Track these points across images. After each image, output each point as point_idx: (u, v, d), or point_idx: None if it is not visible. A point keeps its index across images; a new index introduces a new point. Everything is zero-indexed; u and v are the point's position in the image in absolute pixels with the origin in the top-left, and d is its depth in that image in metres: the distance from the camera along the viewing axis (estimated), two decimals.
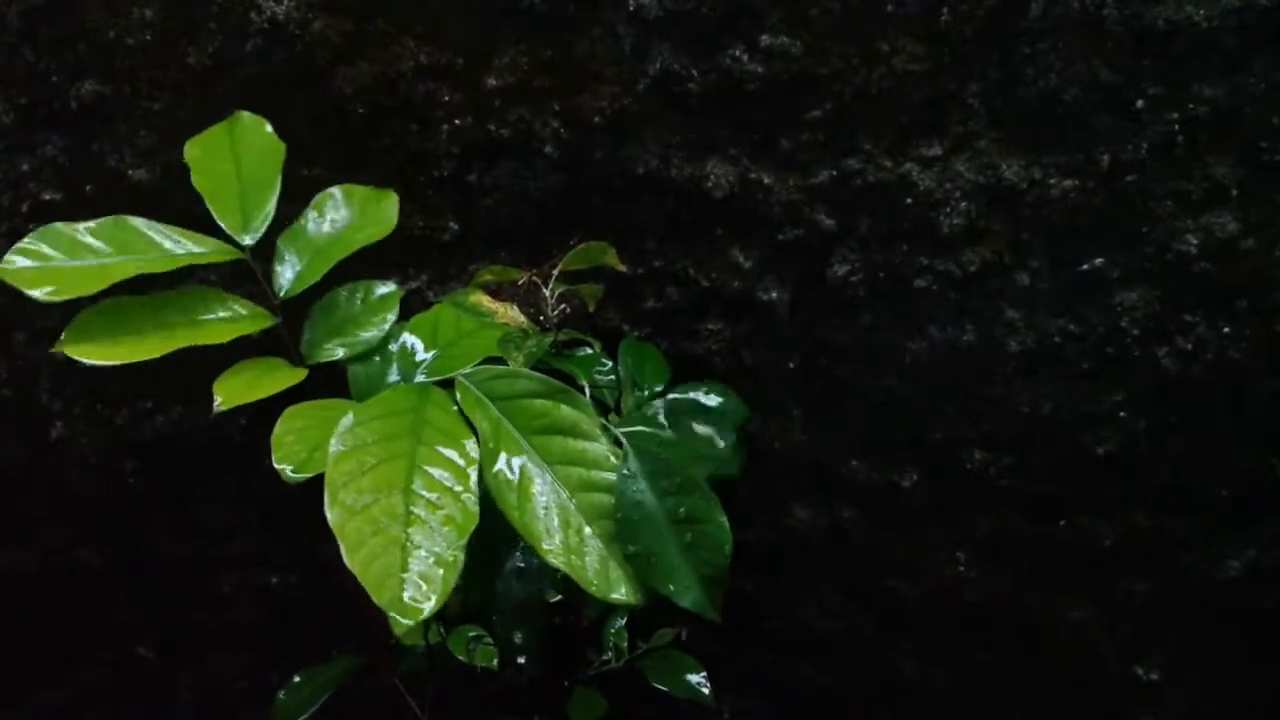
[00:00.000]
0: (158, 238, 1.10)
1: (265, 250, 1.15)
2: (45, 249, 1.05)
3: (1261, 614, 1.30)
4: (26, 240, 1.05)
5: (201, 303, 1.11)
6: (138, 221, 1.10)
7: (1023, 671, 1.45)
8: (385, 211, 1.18)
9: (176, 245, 1.10)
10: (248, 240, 1.12)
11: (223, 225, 1.12)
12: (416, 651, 1.41)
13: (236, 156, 1.16)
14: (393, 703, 1.43)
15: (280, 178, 1.14)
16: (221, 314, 1.10)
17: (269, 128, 1.18)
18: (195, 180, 1.14)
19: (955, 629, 1.45)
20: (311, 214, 1.18)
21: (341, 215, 1.18)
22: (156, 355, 1.02)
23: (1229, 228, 1.15)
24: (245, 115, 1.19)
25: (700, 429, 1.16)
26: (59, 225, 1.07)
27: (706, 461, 1.13)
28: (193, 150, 1.17)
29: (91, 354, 1.01)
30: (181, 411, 1.50)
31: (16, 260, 1.04)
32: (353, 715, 1.47)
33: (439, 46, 1.27)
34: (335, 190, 1.19)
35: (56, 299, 1.01)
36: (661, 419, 1.16)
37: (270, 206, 1.12)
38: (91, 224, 1.08)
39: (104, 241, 1.07)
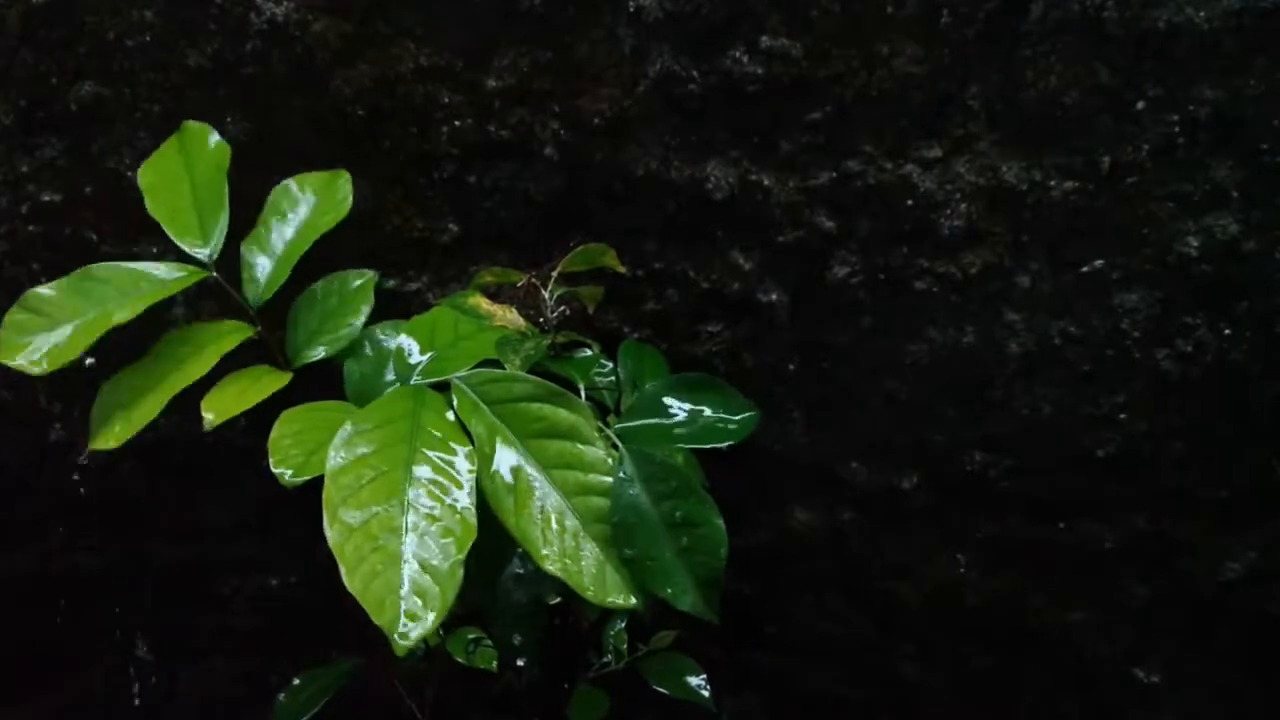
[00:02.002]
0: (128, 278, 1.13)
1: (234, 260, 1.16)
2: (27, 317, 1.10)
3: (1262, 617, 1.30)
4: (10, 315, 1.10)
5: (183, 343, 1.14)
6: (102, 269, 1.13)
7: (1023, 674, 1.44)
8: (339, 193, 1.19)
9: (146, 283, 1.13)
10: (208, 255, 1.14)
11: (183, 247, 1.14)
12: (416, 654, 1.41)
13: (190, 169, 1.19)
14: (393, 704, 1.43)
15: (226, 186, 1.16)
16: (202, 344, 1.13)
17: (215, 135, 1.20)
18: (150, 207, 1.16)
19: (955, 631, 1.45)
20: (271, 215, 1.19)
21: (299, 209, 1.19)
22: (156, 414, 1.09)
23: (1230, 229, 1.14)
24: (191, 125, 1.21)
25: (708, 412, 1.15)
26: (33, 291, 1.11)
27: (719, 434, 1.12)
28: (146, 175, 1.20)
29: (113, 439, 1.10)
30: (180, 415, 1.49)
31: (9, 338, 1.09)
32: (353, 717, 1.47)
33: (439, 48, 1.26)
34: (289, 182, 1.21)
35: (48, 370, 1.06)
36: (666, 403, 1.15)
37: (223, 218, 1.15)
38: (60, 282, 1.12)
39: (80, 296, 1.11)
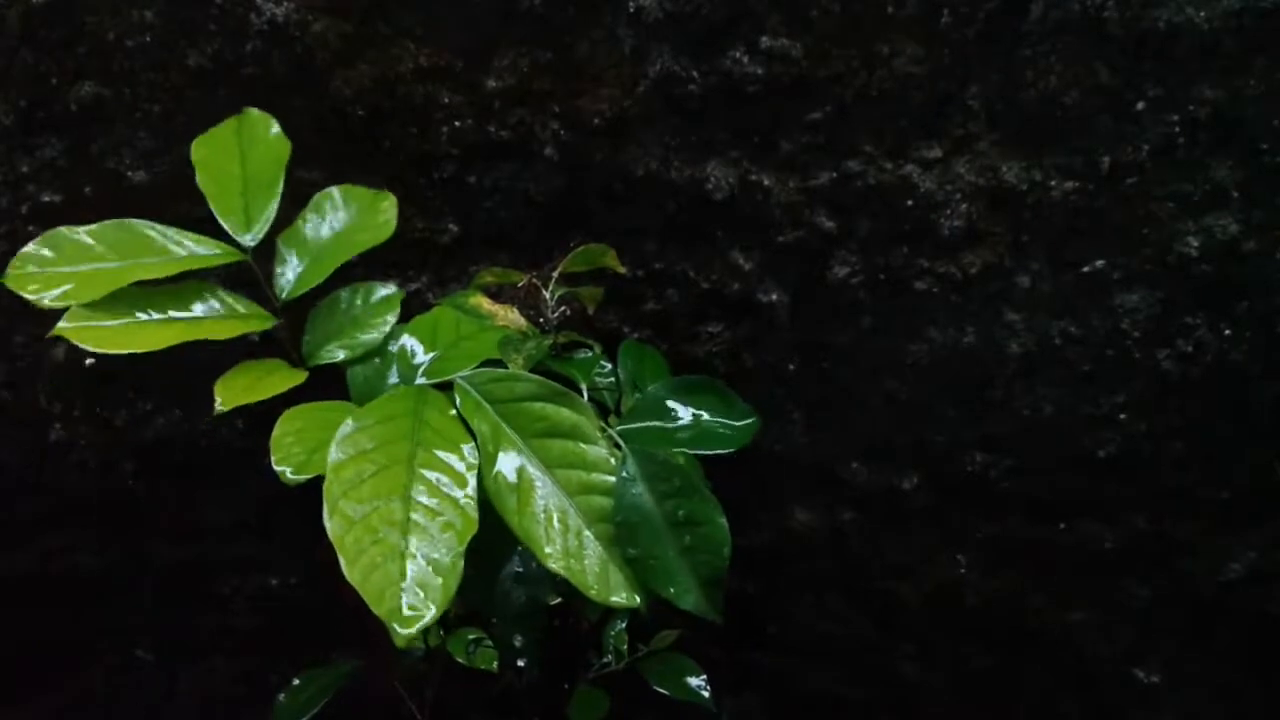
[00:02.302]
0: (160, 240, 1.10)
1: (266, 252, 1.15)
2: (49, 254, 1.06)
3: (1262, 617, 1.30)
4: (30, 246, 1.06)
5: (202, 297, 1.10)
6: (140, 224, 1.10)
7: (1023, 674, 1.45)
8: (384, 214, 1.17)
9: (179, 247, 1.10)
10: (249, 241, 1.12)
11: (225, 226, 1.12)
12: (416, 654, 1.41)
13: (243, 155, 1.16)
14: (393, 705, 1.43)
15: (283, 178, 1.14)
16: (223, 310, 1.10)
17: (276, 127, 1.17)
18: (200, 180, 1.13)
19: (956, 632, 1.45)
20: (311, 215, 1.18)
21: (340, 217, 1.18)
22: (159, 348, 1.01)
23: (1230, 229, 1.15)
24: (253, 112, 1.18)
25: (709, 417, 1.16)
26: (62, 230, 1.07)
27: (720, 439, 1.13)
28: (199, 150, 1.17)
29: (93, 340, 1.00)
30: (181, 413, 1.49)
31: (24, 268, 1.04)
32: (353, 717, 1.46)
33: (439, 48, 1.26)
34: (334, 190, 1.19)
35: (61, 305, 1.01)
36: (668, 406, 1.15)
37: (272, 209, 1.12)
38: (93, 227, 1.08)
39: (106, 246, 1.08)
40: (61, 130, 1.35)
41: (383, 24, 1.26)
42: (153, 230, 1.10)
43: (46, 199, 1.38)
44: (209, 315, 1.09)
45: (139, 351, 1.01)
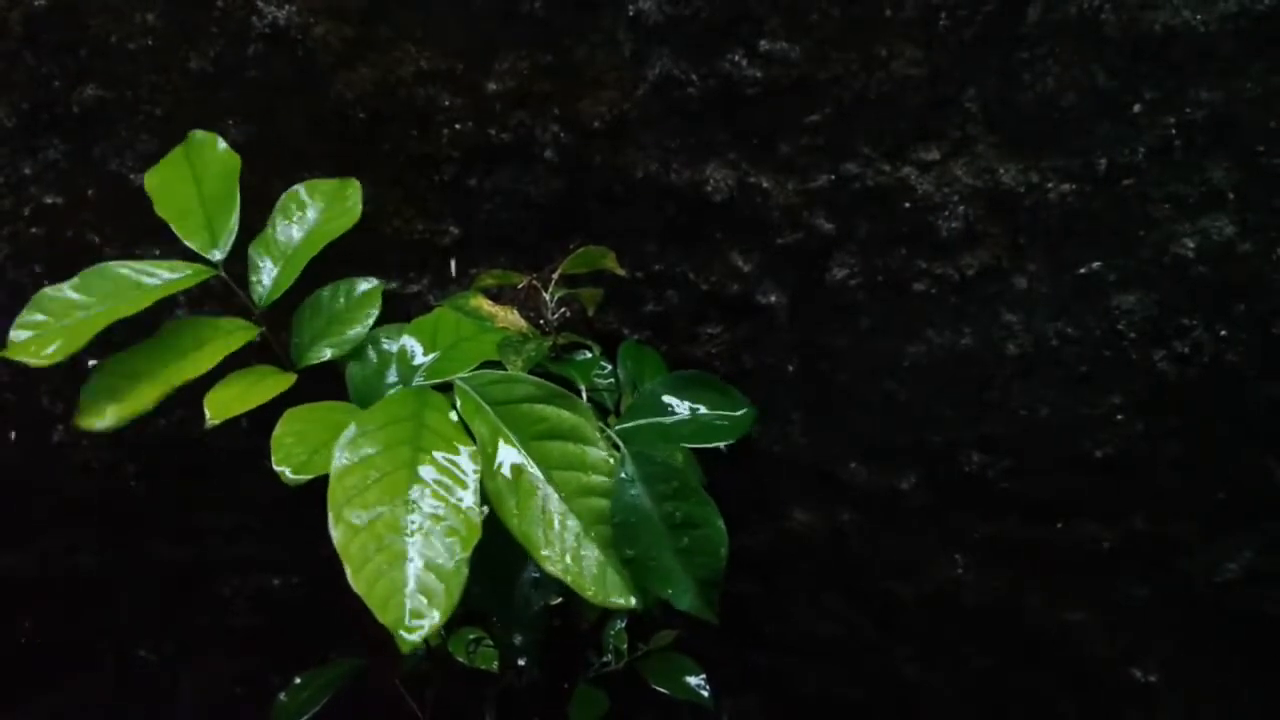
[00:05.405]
0: (134, 275, 1.13)
1: (241, 261, 1.16)
2: (40, 317, 1.10)
3: (1259, 617, 1.30)
4: (24, 314, 1.10)
5: (187, 335, 1.14)
6: (115, 265, 1.14)
7: (1021, 674, 1.45)
8: (349, 200, 1.20)
9: (152, 278, 1.13)
10: (218, 256, 1.15)
11: (192, 246, 1.15)
12: (417, 654, 1.41)
13: (196, 177, 1.19)
14: (393, 703, 1.43)
15: (238, 191, 1.17)
16: (205, 339, 1.13)
17: (222, 143, 1.21)
18: (158, 209, 1.17)
19: (954, 632, 1.45)
20: (278, 218, 1.20)
21: (307, 214, 1.20)
22: (154, 405, 1.07)
23: (1226, 231, 1.15)
24: (198, 133, 1.22)
25: (706, 410, 1.16)
26: (48, 291, 1.11)
27: (719, 431, 1.13)
28: (153, 179, 1.20)
29: (103, 420, 1.08)
30: (182, 415, 1.50)
31: (20, 335, 1.09)
32: (353, 717, 1.47)
33: (439, 51, 1.27)
34: (299, 188, 1.21)
35: (58, 359, 1.05)
36: (665, 402, 1.16)
37: (234, 221, 1.15)
38: (75, 280, 1.12)
39: (87, 294, 1.11)
40: (64, 132, 1.36)
41: (384, 27, 1.27)
42: (125, 268, 1.14)
43: (49, 201, 1.39)
44: (195, 348, 1.12)
45: (144, 412, 1.07)
